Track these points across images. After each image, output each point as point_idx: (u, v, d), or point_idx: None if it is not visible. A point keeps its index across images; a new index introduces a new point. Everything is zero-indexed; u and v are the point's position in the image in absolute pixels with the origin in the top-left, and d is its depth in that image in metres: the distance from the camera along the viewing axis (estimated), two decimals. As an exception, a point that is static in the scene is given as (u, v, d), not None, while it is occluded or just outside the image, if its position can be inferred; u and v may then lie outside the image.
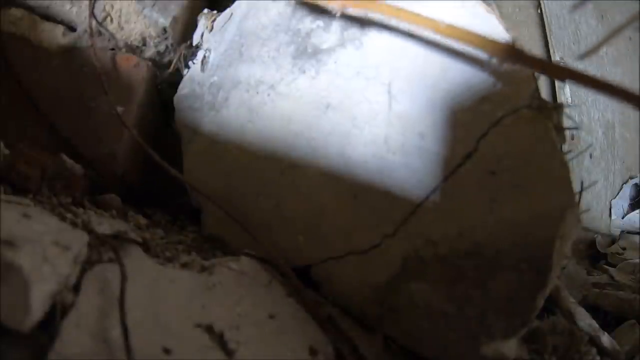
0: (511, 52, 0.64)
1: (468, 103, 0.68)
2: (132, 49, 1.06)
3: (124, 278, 0.61)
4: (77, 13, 1.05)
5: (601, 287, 1.19)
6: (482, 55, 0.67)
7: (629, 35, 2.05)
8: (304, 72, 0.85)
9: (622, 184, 2.00)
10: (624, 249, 1.68)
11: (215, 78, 0.97)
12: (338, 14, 0.80)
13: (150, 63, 1.06)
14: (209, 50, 1.01)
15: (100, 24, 1.05)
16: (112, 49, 1.06)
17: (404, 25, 0.75)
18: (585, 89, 0.63)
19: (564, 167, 0.63)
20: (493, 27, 0.68)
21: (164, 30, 1.06)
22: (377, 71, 0.77)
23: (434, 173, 0.70)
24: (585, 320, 0.92)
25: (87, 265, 0.61)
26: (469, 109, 0.68)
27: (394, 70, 0.76)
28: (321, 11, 0.84)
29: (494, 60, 0.66)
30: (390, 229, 0.73)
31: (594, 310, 1.06)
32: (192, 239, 0.91)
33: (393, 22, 0.76)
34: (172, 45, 1.08)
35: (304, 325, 0.70)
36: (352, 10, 0.80)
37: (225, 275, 0.74)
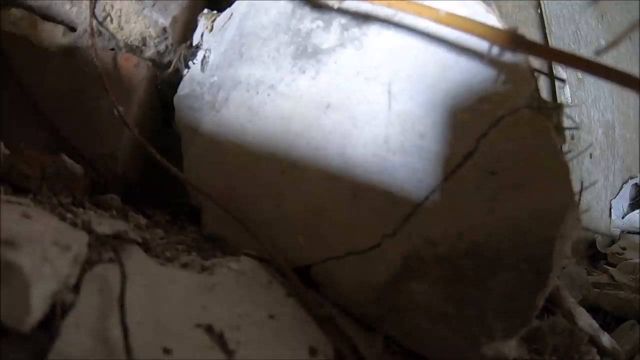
0: (512, 39, 0.63)
1: (468, 103, 0.68)
2: (132, 49, 1.06)
3: (124, 278, 0.61)
4: (77, 13, 1.06)
5: (601, 287, 1.19)
6: (483, 47, 0.67)
7: (629, 35, 2.05)
8: (304, 72, 0.85)
9: (622, 184, 2.00)
10: (624, 249, 1.68)
11: (215, 78, 0.97)
12: (336, 6, 0.80)
13: (150, 63, 1.06)
14: (209, 50, 1.01)
15: (100, 23, 1.05)
16: (112, 49, 1.06)
17: (404, 21, 0.75)
18: (586, 73, 0.62)
19: (564, 167, 0.63)
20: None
21: (164, 30, 1.06)
22: (377, 71, 0.77)
23: (434, 173, 0.70)
24: (585, 320, 0.92)
25: (87, 265, 0.61)
26: (469, 108, 0.68)
27: (394, 71, 0.76)
28: (321, 9, 0.84)
29: (495, 49, 0.65)
30: (390, 229, 0.73)
31: (594, 310, 1.06)
32: (192, 239, 0.91)
33: (394, 18, 0.76)
34: (172, 45, 1.08)
35: (304, 325, 0.70)
36: (351, 3, 0.80)
37: (225, 276, 0.74)
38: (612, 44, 1.20)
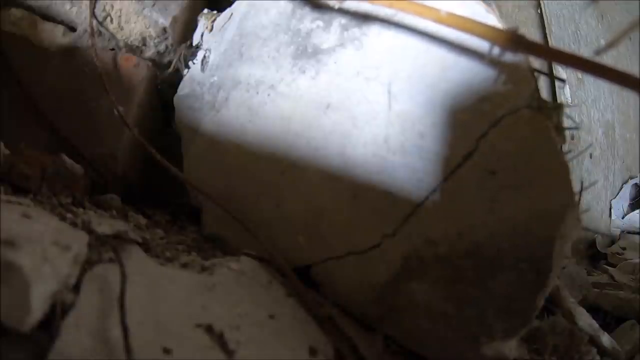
0: (512, 39, 0.63)
1: (468, 103, 0.68)
2: (132, 49, 1.06)
3: (124, 278, 0.61)
4: (77, 13, 1.06)
5: (601, 287, 1.19)
6: (483, 47, 0.67)
7: (629, 35, 2.05)
8: (304, 72, 0.85)
9: (622, 184, 2.00)
10: (624, 249, 1.68)
11: (215, 78, 0.97)
12: (336, 6, 0.80)
13: (150, 63, 1.06)
14: (209, 50, 1.01)
15: (100, 24, 1.05)
16: (112, 49, 1.06)
17: (404, 21, 0.75)
18: (586, 74, 0.62)
19: (564, 167, 0.63)
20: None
21: (164, 30, 1.06)
22: (377, 71, 0.77)
23: (434, 173, 0.70)
24: (585, 320, 0.92)
25: (87, 265, 0.61)
26: (469, 108, 0.68)
27: (394, 71, 0.76)
28: (321, 9, 0.84)
29: (496, 50, 0.65)
30: (390, 229, 0.73)
31: (594, 310, 1.06)
32: (192, 239, 0.91)
33: (394, 18, 0.76)
34: (172, 45, 1.08)
35: (304, 325, 0.70)
36: (351, 3, 0.80)
37: (225, 276, 0.74)
38: (611, 44, 1.20)
